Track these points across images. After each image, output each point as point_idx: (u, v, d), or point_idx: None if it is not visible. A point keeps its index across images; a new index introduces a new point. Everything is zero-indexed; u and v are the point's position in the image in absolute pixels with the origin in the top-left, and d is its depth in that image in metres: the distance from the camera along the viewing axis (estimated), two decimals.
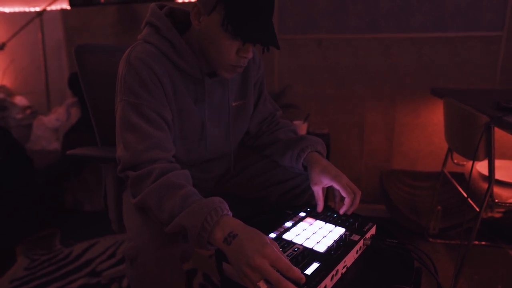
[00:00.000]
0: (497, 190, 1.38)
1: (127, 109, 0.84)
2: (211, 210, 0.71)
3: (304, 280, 0.62)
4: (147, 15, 0.92)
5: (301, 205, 1.00)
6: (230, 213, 0.75)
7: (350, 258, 0.73)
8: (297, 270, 0.62)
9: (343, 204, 0.89)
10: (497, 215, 1.87)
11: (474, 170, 1.54)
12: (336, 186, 0.89)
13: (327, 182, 0.91)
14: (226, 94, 0.99)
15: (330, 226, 0.84)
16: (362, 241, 0.78)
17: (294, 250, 0.73)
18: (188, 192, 0.77)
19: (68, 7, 2.41)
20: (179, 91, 0.90)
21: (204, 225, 0.70)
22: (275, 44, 0.82)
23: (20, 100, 2.56)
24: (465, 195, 1.48)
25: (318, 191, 0.92)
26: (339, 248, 0.74)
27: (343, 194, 0.88)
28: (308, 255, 0.71)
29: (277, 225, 0.84)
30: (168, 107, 0.88)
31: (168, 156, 0.85)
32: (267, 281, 0.62)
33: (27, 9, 2.50)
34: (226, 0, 0.78)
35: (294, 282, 0.61)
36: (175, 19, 0.94)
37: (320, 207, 0.92)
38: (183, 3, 2.28)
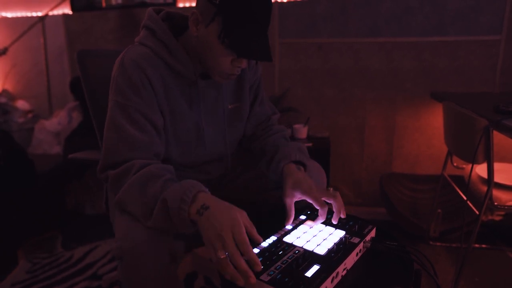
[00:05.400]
0: (496, 193, 1.38)
1: (114, 110, 0.86)
2: (189, 186, 0.75)
3: (259, 267, 0.66)
4: (144, 19, 0.94)
5: (301, 208, 1.00)
6: (207, 191, 0.78)
7: (350, 260, 0.74)
8: (250, 249, 0.67)
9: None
10: (497, 218, 1.88)
11: (473, 173, 1.54)
12: (309, 200, 0.88)
13: (299, 196, 0.89)
14: (220, 96, 1.00)
15: (330, 229, 0.84)
16: (362, 243, 0.78)
17: (294, 253, 0.74)
18: (169, 178, 0.80)
19: (70, 12, 2.43)
20: (172, 94, 0.92)
21: (183, 198, 0.73)
22: (268, 59, 0.84)
23: (22, 104, 2.57)
24: (464, 198, 1.48)
25: (290, 203, 0.89)
26: (339, 250, 0.74)
27: (316, 206, 0.87)
28: (308, 257, 0.72)
29: (278, 227, 0.85)
30: (157, 110, 0.89)
31: (149, 157, 0.86)
32: None
33: (29, 14, 2.52)
34: (225, 14, 0.80)
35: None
36: (172, 23, 0.95)
37: (289, 221, 0.87)
38: (183, 8, 2.30)
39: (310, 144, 1.88)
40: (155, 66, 0.88)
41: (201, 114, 0.97)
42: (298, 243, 0.78)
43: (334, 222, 0.87)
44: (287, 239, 0.80)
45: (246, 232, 0.70)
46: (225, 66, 0.87)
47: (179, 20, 0.97)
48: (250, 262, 0.66)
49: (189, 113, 0.95)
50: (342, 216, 0.88)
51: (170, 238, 0.80)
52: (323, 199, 0.87)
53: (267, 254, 0.73)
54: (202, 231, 0.71)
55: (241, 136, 1.11)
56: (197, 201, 0.74)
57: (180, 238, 0.82)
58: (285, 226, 0.86)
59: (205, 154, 1.01)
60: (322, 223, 0.87)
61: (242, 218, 0.71)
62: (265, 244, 0.78)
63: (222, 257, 0.66)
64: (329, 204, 0.88)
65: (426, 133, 2.09)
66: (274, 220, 0.89)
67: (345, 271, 0.72)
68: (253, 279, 0.64)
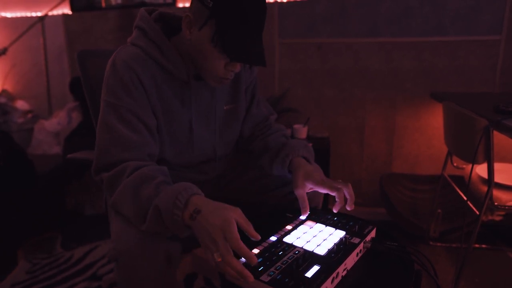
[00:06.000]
0: (496, 193, 1.38)
1: (106, 110, 0.86)
2: (181, 190, 0.74)
3: (254, 259, 0.65)
4: (136, 19, 0.94)
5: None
6: (201, 193, 0.77)
7: (351, 261, 0.74)
8: (241, 245, 0.66)
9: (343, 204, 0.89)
10: (497, 218, 1.88)
11: (473, 173, 1.54)
12: (322, 190, 0.89)
13: (311, 186, 0.91)
14: (214, 97, 1.00)
15: (330, 229, 0.84)
16: (362, 244, 0.78)
17: (294, 253, 0.74)
18: (162, 181, 0.79)
19: (70, 12, 2.43)
20: (164, 94, 0.91)
21: (176, 203, 0.72)
22: (261, 63, 0.84)
23: (21, 105, 2.57)
24: (465, 198, 1.48)
25: (302, 194, 0.90)
26: (339, 251, 0.74)
27: (332, 193, 0.88)
28: (308, 258, 0.72)
29: (278, 228, 0.84)
30: (150, 111, 0.89)
31: (142, 157, 0.86)
32: None
33: (29, 14, 2.52)
34: (218, 17, 0.80)
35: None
36: (166, 23, 0.95)
37: (305, 212, 0.90)
38: (182, 8, 2.30)
39: (310, 145, 1.87)
40: (146, 66, 0.88)
41: (193, 114, 0.97)
42: (298, 243, 0.78)
43: (349, 209, 0.88)
44: (287, 239, 0.80)
45: (243, 230, 0.70)
46: (218, 70, 0.86)
47: (172, 21, 0.96)
48: (246, 258, 0.66)
49: (182, 113, 0.95)
50: (348, 207, 0.89)
51: (165, 239, 0.80)
52: (336, 187, 0.88)
53: (267, 254, 0.73)
54: (197, 235, 0.71)
55: (237, 136, 1.10)
56: (189, 206, 0.73)
57: (176, 239, 0.81)
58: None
59: (198, 154, 1.01)
60: (322, 223, 0.87)
61: (235, 215, 0.70)
62: (265, 244, 0.77)
63: (218, 260, 0.65)
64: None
65: (426, 133, 2.09)
66: (274, 220, 0.89)
67: (345, 272, 0.72)
68: (250, 278, 0.64)
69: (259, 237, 0.71)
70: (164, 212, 0.73)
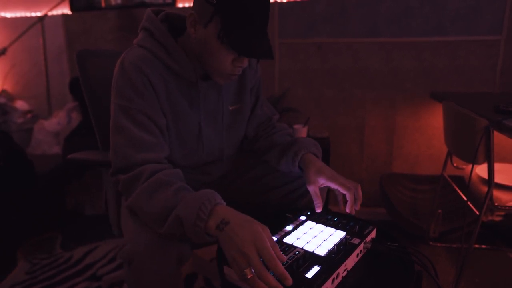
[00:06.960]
0: (496, 193, 1.38)
1: (117, 112, 0.86)
2: (204, 200, 0.73)
3: (289, 281, 0.62)
4: (142, 20, 0.93)
5: (301, 208, 1.00)
6: (223, 202, 0.76)
7: (351, 261, 0.74)
8: (279, 264, 0.63)
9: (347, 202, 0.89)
10: (497, 218, 1.88)
11: (473, 174, 1.54)
12: (333, 186, 0.90)
13: (323, 182, 0.91)
14: (221, 98, 1.00)
15: (330, 230, 0.84)
16: (362, 244, 0.78)
17: (295, 254, 0.73)
18: (180, 187, 0.79)
19: (69, 12, 2.43)
20: (173, 95, 0.91)
21: (199, 214, 0.71)
22: (269, 56, 0.83)
23: (21, 105, 2.57)
24: (465, 198, 1.48)
25: (315, 190, 0.92)
26: (339, 251, 0.74)
27: (342, 191, 0.89)
28: (309, 258, 0.72)
29: (278, 228, 0.84)
30: (160, 111, 0.89)
31: (158, 158, 0.86)
32: None
33: (28, 14, 2.52)
34: (223, 13, 0.80)
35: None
36: (171, 24, 0.95)
37: (319, 207, 0.92)
38: (182, 8, 2.29)
39: None
40: (154, 67, 0.88)
41: (201, 115, 0.97)
42: (298, 244, 0.78)
43: (356, 208, 0.89)
44: (288, 240, 0.79)
45: None
46: (225, 66, 0.86)
47: (178, 21, 0.96)
48: (280, 277, 0.63)
49: (190, 113, 0.95)
50: (355, 208, 0.90)
51: (177, 241, 0.79)
52: (347, 185, 0.88)
53: None
54: (223, 247, 0.69)
55: (242, 137, 1.10)
56: (215, 216, 0.72)
57: (186, 241, 0.81)
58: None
59: (205, 154, 1.01)
60: (323, 224, 0.87)
61: (264, 233, 0.68)
62: None
63: (249, 276, 0.62)
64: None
65: (426, 133, 2.09)
66: (274, 221, 0.89)
67: (345, 272, 0.72)
68: None
69: (285, 259, 0.68)
70: (186, 222, 0.72)
